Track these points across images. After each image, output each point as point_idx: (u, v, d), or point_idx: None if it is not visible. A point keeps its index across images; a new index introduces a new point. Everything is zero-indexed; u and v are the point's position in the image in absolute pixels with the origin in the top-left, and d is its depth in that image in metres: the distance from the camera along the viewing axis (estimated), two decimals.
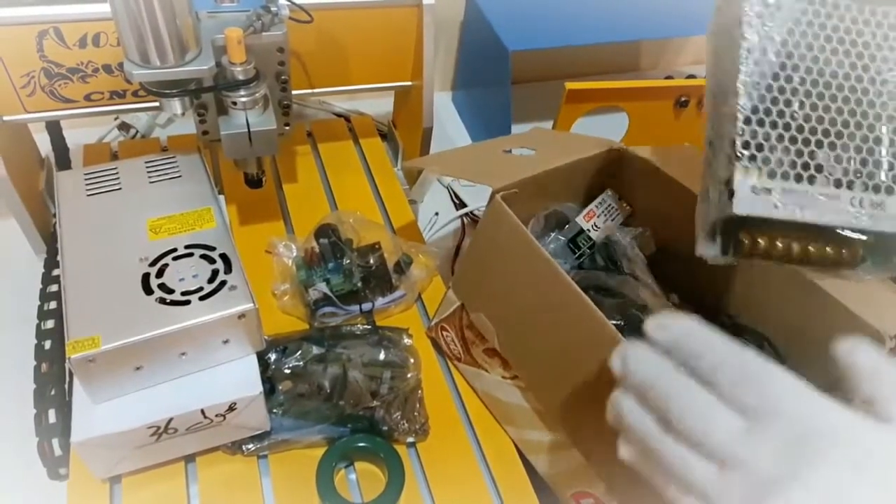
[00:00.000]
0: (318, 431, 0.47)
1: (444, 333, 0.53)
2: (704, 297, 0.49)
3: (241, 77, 0.48)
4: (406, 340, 0.53)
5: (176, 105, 0.47)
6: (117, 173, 0.51)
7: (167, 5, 0.41)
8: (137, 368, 0.41)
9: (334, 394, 0.48)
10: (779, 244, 0.31)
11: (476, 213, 0.77)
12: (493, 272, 0.46)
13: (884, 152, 0.33)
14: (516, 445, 0.49)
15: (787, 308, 0.48)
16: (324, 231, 0.55)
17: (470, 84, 0.95)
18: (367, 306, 0.55)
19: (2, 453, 0.53)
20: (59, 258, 0.48)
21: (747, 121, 0.31)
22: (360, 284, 0.54)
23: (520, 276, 0.44)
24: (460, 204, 0.79)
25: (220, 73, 0.48)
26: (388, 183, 0.69)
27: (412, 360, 0.51)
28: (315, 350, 0.50)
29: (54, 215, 0.62)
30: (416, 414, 0.49)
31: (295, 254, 0.57)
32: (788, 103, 0.32)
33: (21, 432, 0.47)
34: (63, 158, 0.65)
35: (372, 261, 0.55)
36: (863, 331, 0.44)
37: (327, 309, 0.54)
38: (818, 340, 0.45)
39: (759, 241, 0.31)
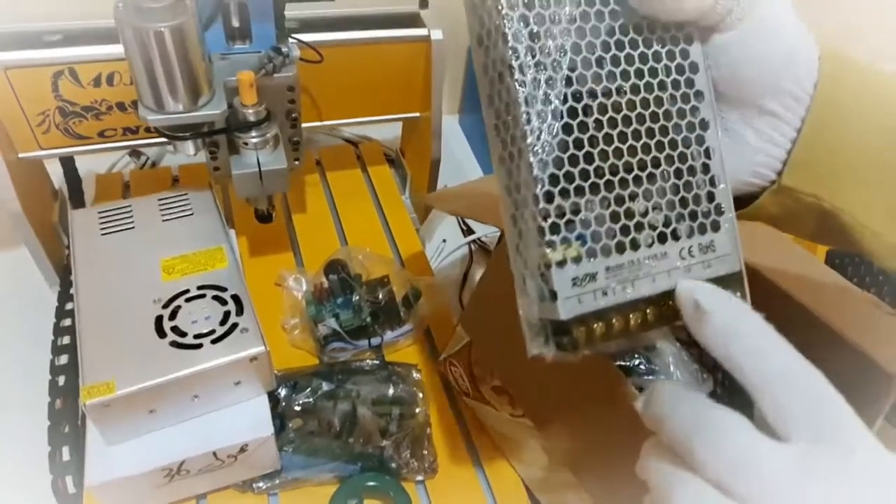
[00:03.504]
0: (328, 470, 0.47)
1: (453, 369, 0.54)
2: None
3: (252, 119, 0.48)
4: (415, 375, 0.53)
5: (189, 146, 0.48)
6: (131, 211, 0.52)
7: (182, 54, 0.41)
8: (151, 411, 0.41)
9: (344, 431, 0.49)
10: (614, 321, 0.26)
11: (484, 239, 0.78)
12: (503, 310, 0.47)
13: (701, 179, 0.27)
14: (525, 483, 0.50)
15: (794, 344, 0.48)
16: (333, 267, 0.56)
17: (478, 108, 0.95)
18: (375, 341, 0.55)
19: (16, 489, 0.53)
20: (73, 294, 0.48)
21: (548, 196, 0.24)
22: (369, 319, 0.55)
23: None
24: (468, 231, 0.79)
25: (232, 115, 0.48)
26: (395, 212, 0.70)
27: (421, 396, 0.52)
28: (325, 386, 0.51)
29: (67, 247, 0.63)
30: (425, 452, 0.49)
31: (304, 287, 0.58)
32: (590, 157, 0.25)
33: (34, 467, 0.48)
34: (76, 191, 0.66)
35: (381, 296, 0.55)
36: (870, 372, 0.44)
37: (337, 344, 0.54)
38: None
39: (595, 326, 0.25)
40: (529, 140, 0.24)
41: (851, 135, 0.28)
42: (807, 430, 0.21)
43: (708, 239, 0.27)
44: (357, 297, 0.55)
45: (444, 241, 0.78)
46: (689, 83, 0.27)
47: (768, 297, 0.49)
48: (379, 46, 0.60)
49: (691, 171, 0.27)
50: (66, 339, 0.54)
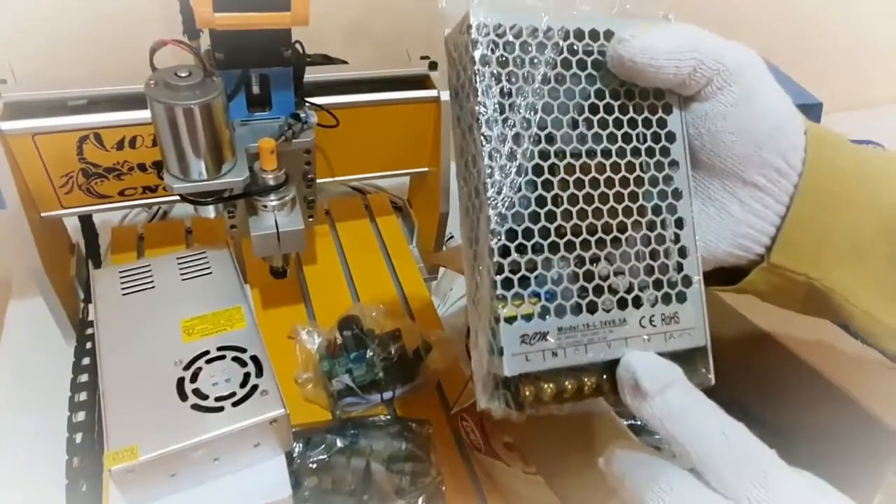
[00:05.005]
0: None
1: (465, 423, 0.55)
2: (717, 391, 0.51)
3: (272, 183, 0.50)
4: (427, 430, 0.54)
5: (210, 210, 0.50)
6: (150, 271, 0.53)
7: (209, 128, 0.43)
8: (172, 475, 0.42)
9: (358, 489, 0.49)
10: (567, 384, 0.25)
11: None
12: None
13: (671, 248, 0.27)
14: None
15: (801, 404, 0.49)
16: (347, 323, 0.57)
17: None
18: (388, 395, 0.56)
19: None
20: (91, 351, 0.49)
21: (504, 251, 0.24)
22: (381, 374, 0.56)
23: None
24: None
25: (252, 179, 0.50)
26: (404, 263, 0.71)
27: (433, 453, 0.53)
28: (339, 443, 0.52)
29: (83, 301, 0.65)
30: None
31: (317, 341, 0.59)
32: (552, 216, 0.25)
33: None
34: (93, 245, 0.68)
35: (393, 351, 0.57)
36: (875, 429, 0.45)
37: (350, 399, 0.55)
38: (830, 439, 0.46)
39: (546, 386, 0.25)
40: (490, 193, 0.25)
41: (841, 214, 0.28)
42: (746, 493, 0.22)
43: (672, 310, 0.27)
44: (371, 353, 0.56)
45: (451, 288, 0.79)
46: (665, 152, 0.27)
47: (772, 355, 0.50)
48: (390, 107, 0.62)
49: (660, 239, 0.27)
50: (83, 396, 0.55)
